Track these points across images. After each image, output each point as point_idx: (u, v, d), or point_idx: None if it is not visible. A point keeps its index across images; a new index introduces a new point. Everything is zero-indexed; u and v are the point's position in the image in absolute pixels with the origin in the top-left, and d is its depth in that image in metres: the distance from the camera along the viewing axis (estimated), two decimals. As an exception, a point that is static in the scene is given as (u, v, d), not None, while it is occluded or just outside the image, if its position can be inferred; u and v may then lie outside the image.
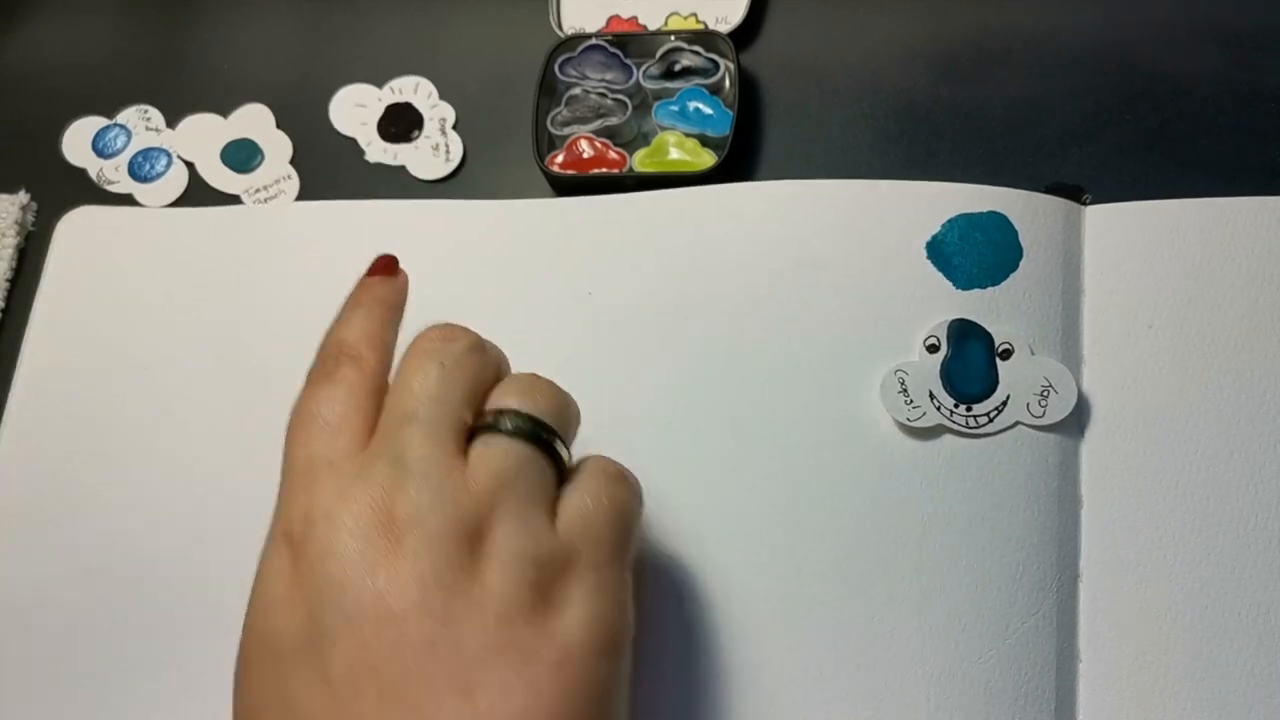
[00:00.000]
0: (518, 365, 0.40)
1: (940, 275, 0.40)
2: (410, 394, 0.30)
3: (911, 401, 0.38)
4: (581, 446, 0.39)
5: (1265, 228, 0.39)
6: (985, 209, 0.40)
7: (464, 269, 0.43)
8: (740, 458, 0.38)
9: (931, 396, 0.38)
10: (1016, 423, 0.37)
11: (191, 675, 0.38)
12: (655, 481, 0.38)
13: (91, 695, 0.38)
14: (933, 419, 0.37)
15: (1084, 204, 0.41)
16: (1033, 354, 0.38)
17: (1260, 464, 0.36)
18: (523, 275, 0.43)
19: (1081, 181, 0.43)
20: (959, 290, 0.39)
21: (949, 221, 0.40)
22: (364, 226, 0.45)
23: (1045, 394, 0.37)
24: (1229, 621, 0.34)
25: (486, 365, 0.32)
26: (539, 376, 0.33)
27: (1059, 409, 0.37)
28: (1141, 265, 0.39)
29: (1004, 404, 0.37)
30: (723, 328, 0.40)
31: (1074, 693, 0.34)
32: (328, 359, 0.32)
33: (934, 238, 0.40)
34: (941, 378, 0.38)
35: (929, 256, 0.40)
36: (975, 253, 0.40)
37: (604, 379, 0.40)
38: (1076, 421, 0.37)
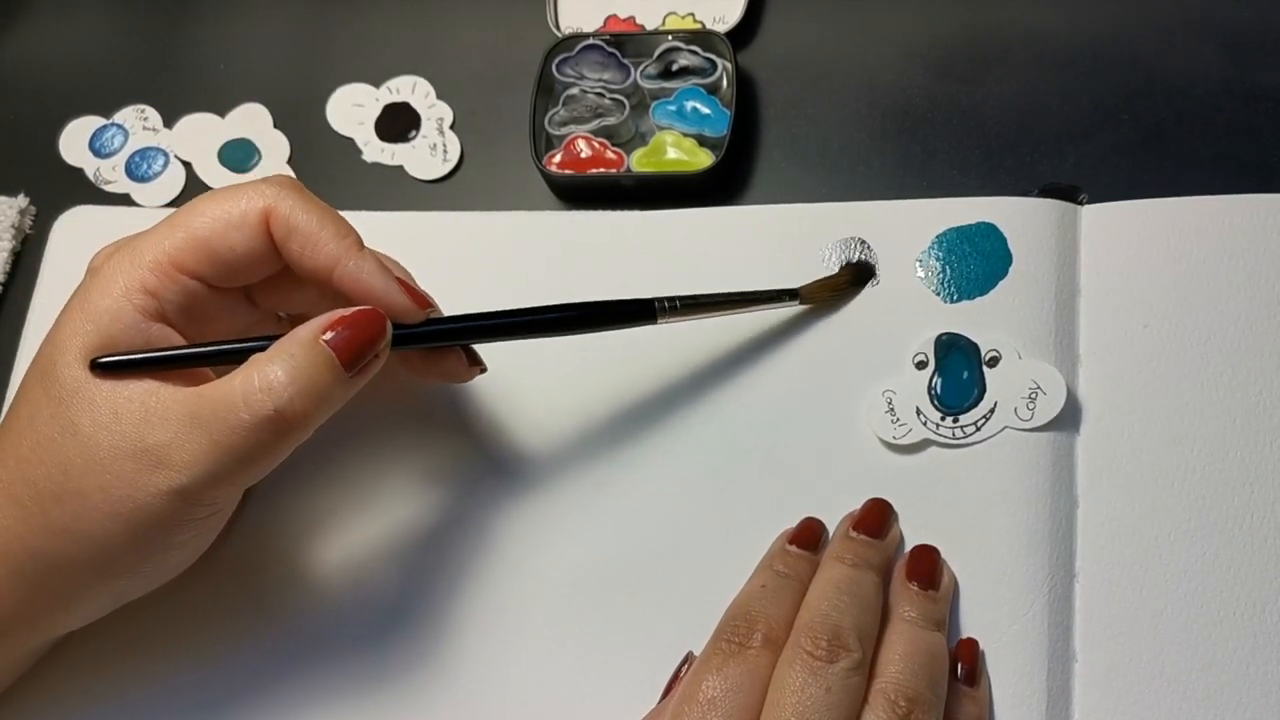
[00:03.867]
0: (516, 382, 0.41)
1: (930, 292, 0.40)
2: (787, 709, 0.31)
3: (898, 420, 0.38)
4: (577, 465, 0.39)
5: (1261, 226, 0.39)
6: (974, 220, 0.40)
7: (455, 283, 0.43)
8: (737, 477, 0.39)
9: (918, 412, 0.38)
10: (1005, 428, 0.37)
11: None
12: (643, 499, 0.39)
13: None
14: (918, 435, 0.37)
15: (1080, 203, 0.41)
16: (1020, 358, 0.38)
17: (1256, 462, 0.36)
18: (521, 288, 0.42)
19: (1078, 181, 0.43)
20: (949, 304, 0.39)
21: (938, 237, 0.40)
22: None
23: (1033, 396, 0.37)
24: (1225, 620, 0.34)
25: (861, 689, 0.32)
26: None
27: (1047, 410, 0.37)
28: (1138, 264, 0.39)
29: (991, 411, 0.37)
30: (717, 350, 0.40)
31: (1069, 692, 0.34)
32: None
33: (923, 255, 0.40)
34: (928, 393, 0.38)
35: (919, 274, 0.40)
36: (964, 265, 0.40)
37: (595, 397, 0.40)
38: (1072, 421, 0.37)
